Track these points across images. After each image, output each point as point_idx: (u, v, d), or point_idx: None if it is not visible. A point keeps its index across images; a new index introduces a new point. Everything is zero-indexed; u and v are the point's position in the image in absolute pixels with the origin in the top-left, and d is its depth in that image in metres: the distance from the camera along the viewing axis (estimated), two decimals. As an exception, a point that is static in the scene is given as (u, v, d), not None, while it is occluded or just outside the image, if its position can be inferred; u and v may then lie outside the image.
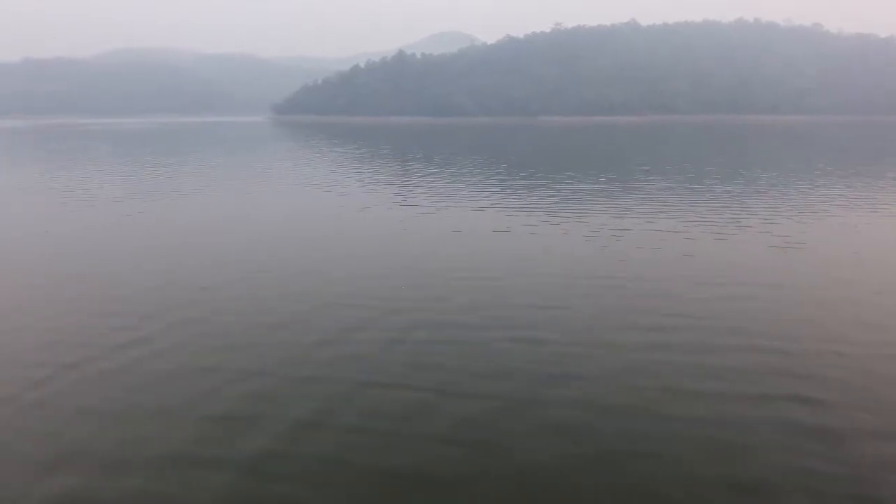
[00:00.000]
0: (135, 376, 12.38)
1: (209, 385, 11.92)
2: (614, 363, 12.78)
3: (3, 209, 34.13)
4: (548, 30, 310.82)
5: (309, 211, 32.52)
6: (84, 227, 28.47)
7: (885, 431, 10.16)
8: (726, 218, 28.67)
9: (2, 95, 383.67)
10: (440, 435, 10.14)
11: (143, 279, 19.40)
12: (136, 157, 74.11)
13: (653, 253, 22.12)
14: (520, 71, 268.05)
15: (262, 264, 21.14)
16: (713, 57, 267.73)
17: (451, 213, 31.03)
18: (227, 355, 13.36)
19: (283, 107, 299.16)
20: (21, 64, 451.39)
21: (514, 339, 14.15)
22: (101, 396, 11.56)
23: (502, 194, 37.49)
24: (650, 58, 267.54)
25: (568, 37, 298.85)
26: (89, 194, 39.16)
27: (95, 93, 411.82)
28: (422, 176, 47.98)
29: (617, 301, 16.81)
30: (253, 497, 8.70)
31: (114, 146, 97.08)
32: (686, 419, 10.54)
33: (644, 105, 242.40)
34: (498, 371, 12.44)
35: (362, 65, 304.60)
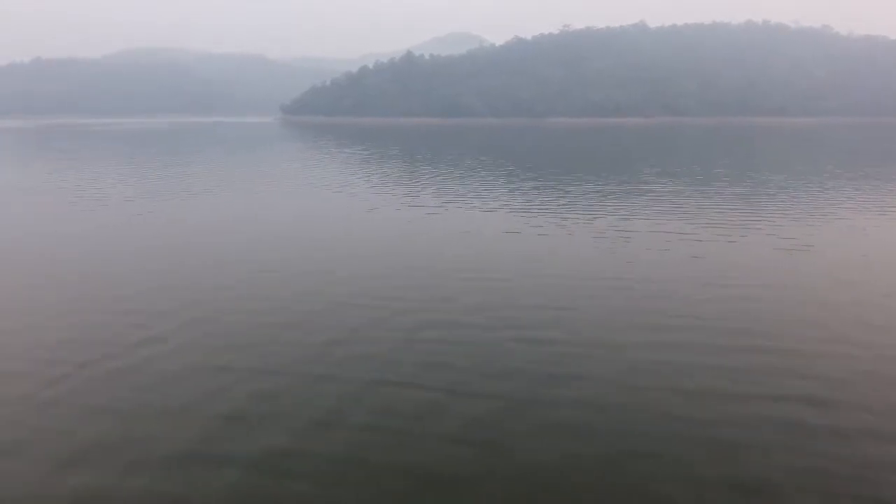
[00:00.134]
0: (148, 375, 12.55)
1: (221, 384, 12.08)
2: (622, 364, 12.87)
3: (16, 209, 34.40)
4: (556, 31, 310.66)
5: (318, 212, 32.68)
6: (96, 226, 28.70)
7: (890, 432, 10.23)
8: (734, 220, 28.69)
9: (9, 95, 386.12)
10: (450, 434, 10.25)
11: (155, 279, 19.59)
12: (144, 156, 74.50)
13: (660, 254, 22.19)
14: (528, 72, 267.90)
15: (271, 264, 21.31)
16: (722, 58, 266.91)
17: (459, 213, 31.16)
18: (238, 354, 13.52)
19: (292, 107, 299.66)
20: (30, 64, 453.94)
21: (522, 339, 14.25)
22: (115, 395, 11.72)
23: (510, 195, 37.59)
24: (658, 59, 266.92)
25: (576, 38, 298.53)
26: (101, 194, 39.43)
27: (102, 93, 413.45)
28: (430, 177, 48.13)
29: (624, 302, 16.89)
30: (265, 495, 8.83)
31: (122, 146, 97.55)
32: (693, 420, 10.62)
33: (652, 106, 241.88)
34: (506, 371, 12.55)
35: (370, 66, 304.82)
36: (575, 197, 36.69)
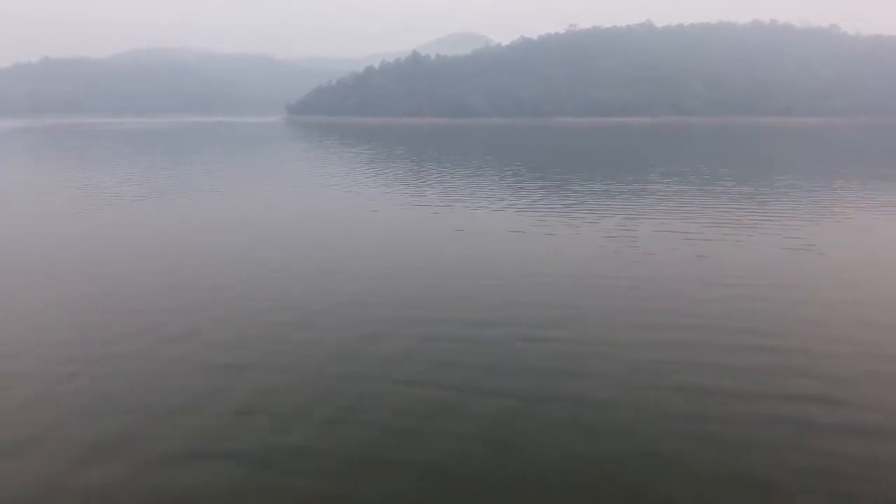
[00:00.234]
0: (163, 373, 12.72)
1: (233, 381, 12.21)
2: (629, 362, 12.95)
3: (29, 208, 34.64)
4: (562, 31, 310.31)
5: (325, 211, 32.80)
6: (106, 226, 28.89)
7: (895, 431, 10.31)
8: (740, 220, 28.69)
9: (17, 95, 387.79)
10: (461, 432, 10.36)
11: (167, 278, 19.78)
12: (151, 156, 74.81)
13: (666, 254, 22.24)
14: (534, 72, 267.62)
15: (278, 264, 21.44)
16: (728, 58, 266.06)
17: (465, 213, 31.24)
18: (249, 353, 13.66)
19: (298, 107, 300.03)
20: (37, 64, 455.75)
21: (531, 338, 14.35)
22: (130, 392, 11.89)
23: (516, 195, 37.64)
24: (665, 59, 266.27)
25: (582, 38, 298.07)
26: (110, 193, 39.63)
27: (109, 93, 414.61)
28: (436, 176, 48.20)
29: (631, 302, 16.96)
30: (280, 490, 8.95)
31: (129, 146, 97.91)
32: (701, 418, 10.71)
33: (658, 106, 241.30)
34: (515, 369, 12.65)
35: (376, 66, 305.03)
36: (581, 196, 36.74)
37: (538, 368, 12.69)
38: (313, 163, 64.02)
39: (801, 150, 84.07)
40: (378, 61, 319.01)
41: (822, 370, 12.50)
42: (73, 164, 63.13)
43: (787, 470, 9.25)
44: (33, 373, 12.71)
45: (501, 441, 10.12)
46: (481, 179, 46.31)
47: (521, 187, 41.54)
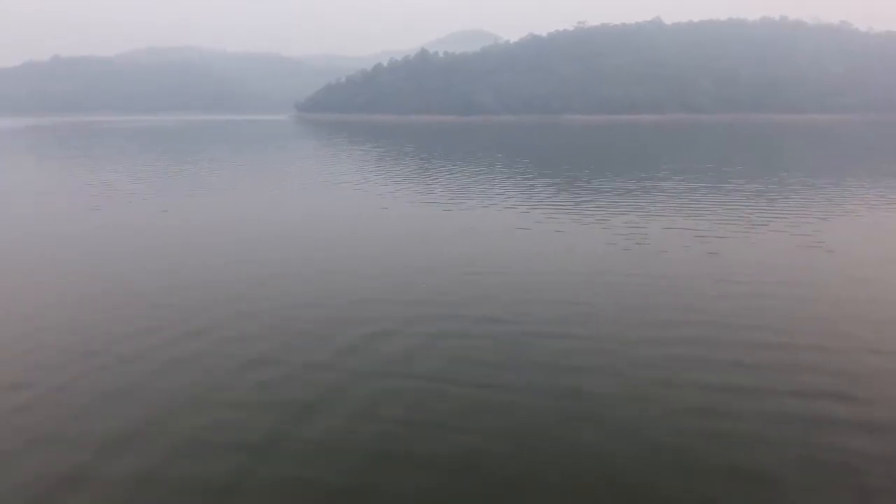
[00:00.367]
0: (180, 367, 12.85)
1: (245, 377, 12.32)
2: (640, 359, 12.99)
3: (43, 207, 34.96)
4: (571, 28, 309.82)
5: (334, 209, 32.95)
6: (113, 224, 29.12)
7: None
8: (751, 217, 28.65)
9: (26, 94, 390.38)
10: (478, 427, 10.42)
11: (178, 275, 19.96)
12: (159, 154, 75.25)
13: (676, 251, 22.25)
14: (543, 69, 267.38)
15: (287, 261, 21.59)
16: (738, 55, 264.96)
17: (474, 211, 31.33)
18: (263, 350, 13.75)
19: (306, 105, 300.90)
20: (46, 63, 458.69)
21: (542, 334, 14.40)
22: (150, 386, 12.02)
23: (526, 193, 37.69)
24: (674, 56, 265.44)
25: (591, 35, 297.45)
26: (118, 191, 39.91)
27: (116, 91, 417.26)
28: (445, 174, 48.34)
29: (641, 298, 16.96)
30: (298, 484, 9.06)
31: (136, 144, 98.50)
32: (713, 414, 10.75)
33: (668, 104, 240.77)
34: (529, 365, 12.72)
35: (385, 63, 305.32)
36: (591, 194, 36.76)
37: (550, 364, 12.76)
38: (323, 161, 64.27)
39: (811, 148, 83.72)
40: (386, 59, 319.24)
41: (835, 367, 12.52)
42: (77, 163, 63.57)
43: (799, 466, 9.28)
44: (52, 368, 12.86)
45: (517, 436, 10.18)
46: (491, 177, 46.39)
47: (530, 185, 41.59)
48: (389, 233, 26.42)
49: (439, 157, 65.25)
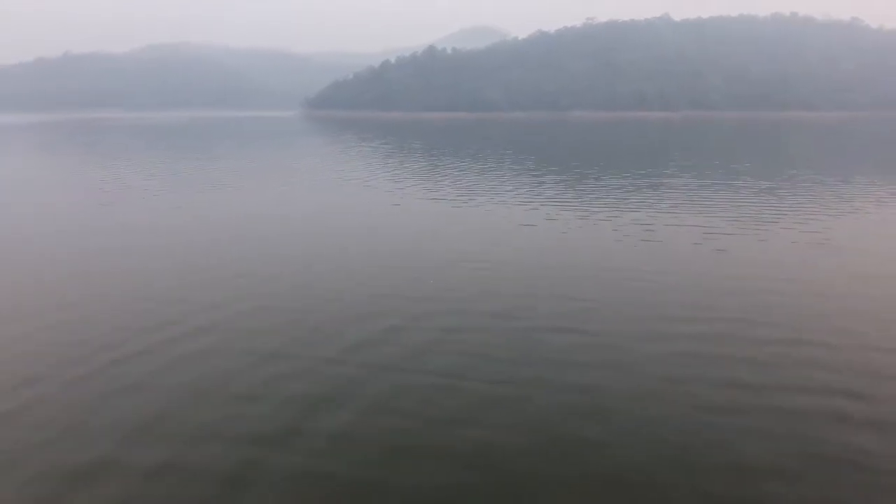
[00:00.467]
0: (195, 360, 12.98)
1: (259, 373, 12.44)
2: (652, 355, 13.01)
3: (46, 203, 35.20)
4: (580, 24, 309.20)
5: (345, 206, 33.02)
6: (131, 220, 29.33)
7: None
8: (760, 214, 28.56)
9: (36, 90, 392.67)
10: (490, 422, 10.48)
11: (192, 271, 20.13)
12: (168, 151, 75.60)
13: (685, 248, 22.24)
14: (551, 66, 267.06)
15: (298, 257, 21.74)
16: (748, 52, 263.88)
17: (483, 208, 31.38)
18: (274, 342, 13.89)
19: (314, 101, 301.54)
20: (59, 59, 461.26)
21: (552, 330, 14.45)
22: (168, 378, 12.16)
23: (534, 190, 37.70)
24: (683, 53, 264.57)
25: (600, 31, 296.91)
26: (128, 187, 40.19)
27: (127, 88, 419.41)
28: (454, 171, 48.40)
29: (651, 295, 16.96)
30: (316, 475, 9.16)
31: (146, 140, 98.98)
32: (725, 410, 10.77)
33: (677, 101, 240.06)
34: (540, 360, 12.77)
35: (393, 60, 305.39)
36: (599, 191, 36.73)
37: (559, 360, 12.82)
38: (332, 158, 64.43)
39: (821, 145, 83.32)
40: (393, 56, 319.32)
41: (843, 364, 12.52)
42: (87, 159, 63.94)
43: (808, 463, 9.31)
44: (68, 362, 12.99)
45: (527, 431, 10.24)
46: (500, 174, 46.44)
47: (539, 182, 41.60)
48: (399, 229, 26.51)
49: (448, 154, 65.28)
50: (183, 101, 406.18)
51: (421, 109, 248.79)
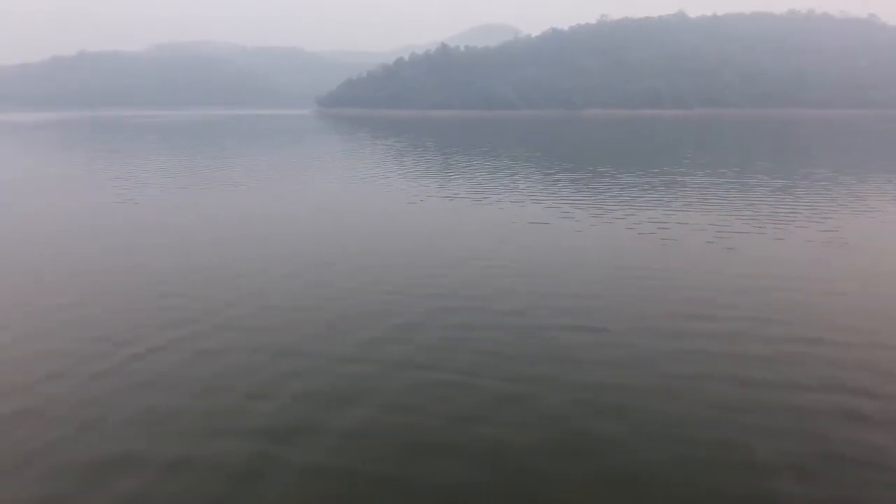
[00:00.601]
0: (209, 356, 13.14)
1: (275, 371, 12.54)
2: (668, 353, 13.04)
3: (62, 200, 35.57)
4: (593, 21, 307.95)
5: (359, 204, 33.13)
6: (149, 217, 29.61)
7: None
8: (774, 213, 28.43)
9: (52, 89, 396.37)
10: (511, 420, 10.54)
11: (211, 268, 20.33)
12: (189, 149, 76.07)
13: (698, 246, 22.20)
14: (565, 63, 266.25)
15: (313, 255, 21.88)
16: (764, 49, 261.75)
17: (498, 206, 31.43)
18: (290, 340, 14.02)
19: (328, 100, 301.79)
20: (74, 58, 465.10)
21: (567, 328, 14.48)
22: (183, 375, 12.33)
23: (549, 188, 37.72)
24: (698, 50, 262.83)
25: (614, 29, 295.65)
26: (155, 184, 40.53)
27: (140, 86, 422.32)
28: (467, 169, 48.45)
29: (663, 293, 16.97)
30: (334, 472, 9.26)
31: (162, 138, 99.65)
32: (741, 409, 10.77)
33: (692, 98, 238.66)
34: (557, 358, 12.82)
35: (406, 58, 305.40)
36: (613, 189, 36.66)
37: (572, 358, 12.86)
38: (347, 156, 64.69)
39: (837, 143, 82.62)
40: (407, 54, 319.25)
41: (858, 362, 12.49)
42: (106, 157, 64.47)
43: (824, 461, 9.31)
44: (86, 357, 13.18)
45: (541, 428, 10.29)
46: (513, 172, 46.47)
47: (553, 180, 41.59)
48: (414, 227, 26.66)
49: (461, 153, 65.29)
50: (196, 100, 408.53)
51: (434, 107, 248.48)
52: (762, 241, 23.07)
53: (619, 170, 47.19)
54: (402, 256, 21.38)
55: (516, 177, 43.22)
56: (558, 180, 41.34)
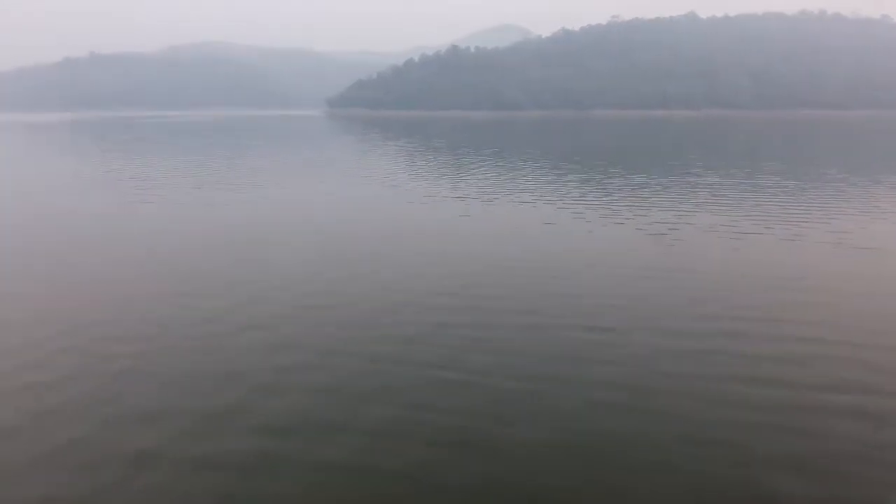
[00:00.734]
0: (216, 354, 13.31)
1: (293, 370, 12.73)
2: (684, 353, 13.09)
3: (74, 200, 35.94)
4: (604, 22, 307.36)
5: (372, 205, 33.28)
6: (167, 216, 29.91)
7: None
8: (787, 214, 28.37)
9: (66, 89, 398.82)
10: (517, 419, 10.65)
11: (228, 267, 20.54)
12: (203, 149, 76.48)
13: (710, 247, 22.21)
14: (575, 64, 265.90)
15: (328, 258, 22.02)
16: (776, 50, 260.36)
17: (508, 206, 31.53)
18: (302, 343, 14.19)
19: (337, 101, 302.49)
20: (86, 59, 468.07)
21: (581, 328, 14.54)
22: (189, 372, 12.50)
23: (560, 189, 37.73)
24: (709, 51, 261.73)
25: (624, 30, 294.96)
26: (171, 185, 40.89)
27: (151, 87, 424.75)
28: (478, 170, 48.52)
29: (676, 294, 16.99)
30: (356, 470, 9.35)
31: (173, 138, 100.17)
32: (756, 407, 10.83)
33: (702, 99, 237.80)
34: (574, 359, 12.90)
35: (416, 59, 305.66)
36: (625, 190, 36.68)
37: (588, 358, 12.92)
38: (358, 157, 64.90)
39: (849, 144, 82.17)
40: (417, 55, 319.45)
41: (873, 363, 12.48)
42: (123, 157, 64.91)
43: (843, 459, 9.36)
44: (101, 355, 13.37)
45: (559, 428, 10.36)
46: (522, 172, 46.56)
47: (563, 181, 41.64)
48: (426, 228, 26.84)
49: (471, 154, 65.37)
50: (207, 100, 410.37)
51: (444, 108, 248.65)
52: (774, 242, 23.06)
53: (629, 171, 47.20)
54: (415, 257, 21.54)
55: (527, 178, 43.30)
56: (569, 181, 41.40)
